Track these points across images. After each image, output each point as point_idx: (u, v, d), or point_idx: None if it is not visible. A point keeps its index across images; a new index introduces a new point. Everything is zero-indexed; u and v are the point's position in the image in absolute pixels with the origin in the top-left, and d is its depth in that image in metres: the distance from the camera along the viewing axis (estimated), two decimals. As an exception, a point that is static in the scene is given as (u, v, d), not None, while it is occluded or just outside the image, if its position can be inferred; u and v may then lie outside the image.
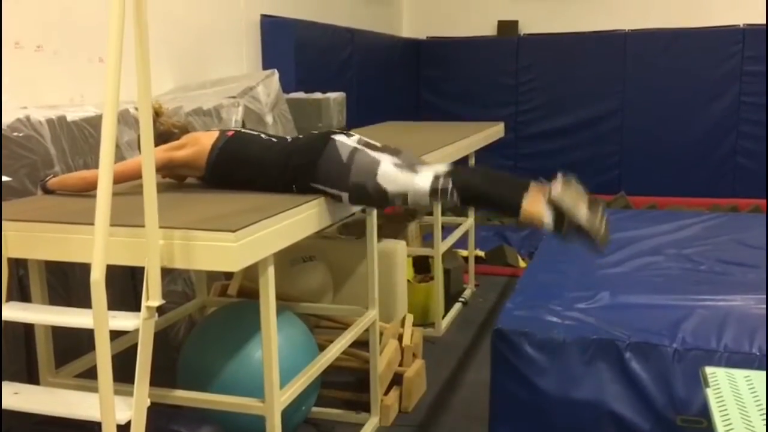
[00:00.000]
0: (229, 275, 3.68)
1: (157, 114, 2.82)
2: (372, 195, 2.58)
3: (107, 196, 1.80)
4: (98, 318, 1.81)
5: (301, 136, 2.86)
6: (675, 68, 7.68)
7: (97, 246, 1.79)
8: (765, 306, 2.94)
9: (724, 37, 7.51)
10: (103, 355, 1.83)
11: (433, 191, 2.53)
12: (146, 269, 1.98)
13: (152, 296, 1.98)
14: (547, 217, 2.48)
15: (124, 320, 1.95)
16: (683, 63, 7.66)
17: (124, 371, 2.21)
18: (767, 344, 2.62)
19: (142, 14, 1.88)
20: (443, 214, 5.08)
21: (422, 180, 2.55)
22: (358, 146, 2.64)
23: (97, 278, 1.78)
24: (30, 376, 2.71)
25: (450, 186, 2.52)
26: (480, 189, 2.60)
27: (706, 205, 7.20)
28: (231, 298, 3.53)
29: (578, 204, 2.46)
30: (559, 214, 2.46)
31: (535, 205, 2.50)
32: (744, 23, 7.45)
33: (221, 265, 2.05)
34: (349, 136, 2.72)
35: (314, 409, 3.30)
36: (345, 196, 2.59)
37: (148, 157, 1.95)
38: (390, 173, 2.56)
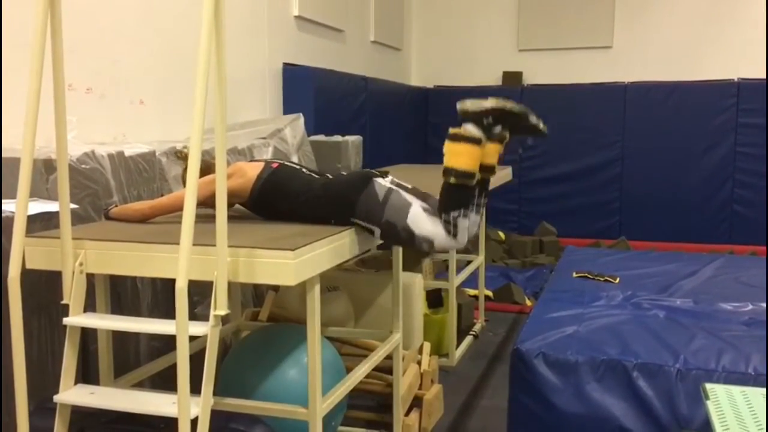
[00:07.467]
0: (258, 303, 3.93)
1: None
2: (401, 235, 2.72)
3: (191, 218, 2.07)
4: (181, 322, 2.05)
5: (343, 173, 3.03)
6: (673, 119, 7.98)
7: (182, 259, 2.04)
8: (761, 334, 3.21)
9: (719, 90, 7.84)
10: (183, 357, 2.06)
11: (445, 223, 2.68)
12: (215, 282, 2.23)
13: (219, 306, 2.23)
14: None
15: (196, 327, 2.20)
16: (681, 114, 7.96)
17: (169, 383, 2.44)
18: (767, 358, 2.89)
19: (222, 69, 2.19)
20: (457, 252, 5.33)
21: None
22: (393, 186, 2.82)
23: (182, 286, 2.03)
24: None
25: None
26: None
27: (704, 250, 7.43)
28: (262, 323, 3.77)
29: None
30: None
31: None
32: (738, 77, 7.79)
33: (281, 280, 2.29)
34: (385, 177, 2.90)
35: (340, 428, 3.51)
36: (377, 231, 2.77)
37: (221, 191, 2.23)
38: (419, 217, 2.70)
